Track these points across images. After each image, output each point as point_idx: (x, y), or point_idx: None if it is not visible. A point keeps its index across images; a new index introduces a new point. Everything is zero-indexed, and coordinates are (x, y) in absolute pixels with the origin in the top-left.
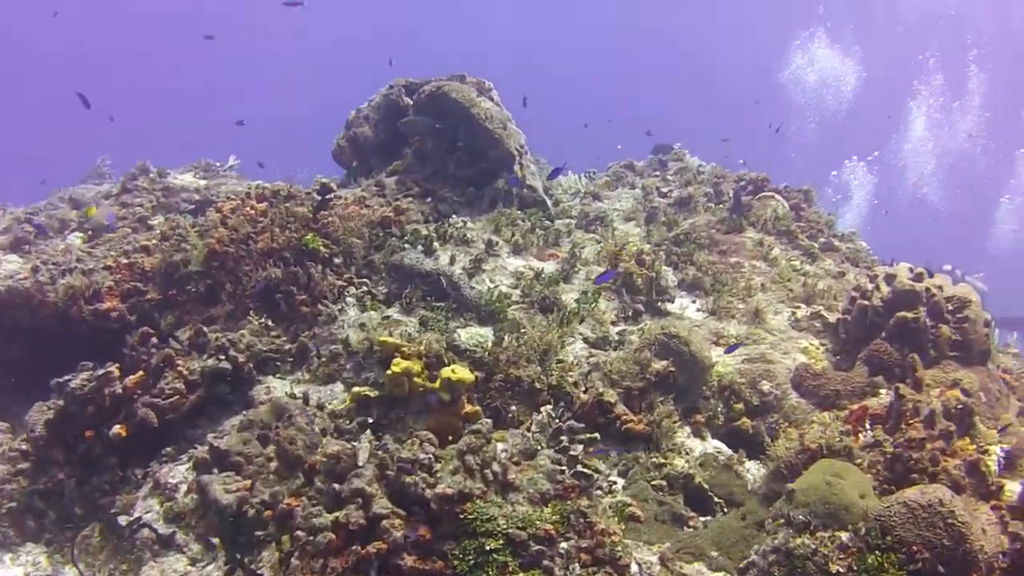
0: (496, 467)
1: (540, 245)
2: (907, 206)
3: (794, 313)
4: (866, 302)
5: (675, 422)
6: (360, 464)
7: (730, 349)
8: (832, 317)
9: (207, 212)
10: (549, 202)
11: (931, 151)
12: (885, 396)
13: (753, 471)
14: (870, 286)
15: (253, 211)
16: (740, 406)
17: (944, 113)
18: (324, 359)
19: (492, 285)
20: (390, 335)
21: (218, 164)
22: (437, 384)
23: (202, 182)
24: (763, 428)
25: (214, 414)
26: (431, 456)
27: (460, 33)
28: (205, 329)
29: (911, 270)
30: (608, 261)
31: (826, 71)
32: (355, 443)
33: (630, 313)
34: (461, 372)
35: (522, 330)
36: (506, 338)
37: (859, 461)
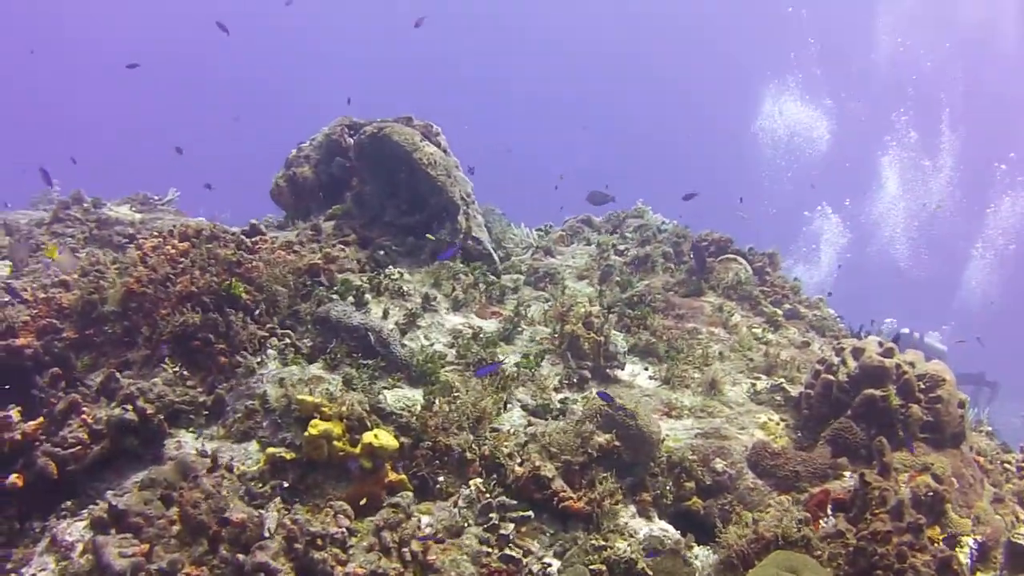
0: (415, 546)
1: (483, 302)
2: (876, 263)
3: (754, 385)
4: (831, 377)
5: (618, 501)
6: (267, 535)
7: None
8: (794, 391)
9: (128, 249)
10: (496, 256)
11: (902, 209)
12: (849, 480)
13: (703, 558)
14: (836, 360)
15: (174, 250)
16: (691, 485)
17: (917, 171)
18: (240, 415)
19: (426, 343)
20: (310, 393)
21: (156, 197)
22: (358, 449)
23: (138, 215)
24: (715, 510)
25: (123, 467)
26: (344, 530)
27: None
28: (118, 375)
29: (880, 344)
30: (555, 322)
31: (797, 122)
32: (263, 511)
33: (575, 379)
34: (384, 438)
35: (455, 394)
36: (437, 402)
37: (818, 553)
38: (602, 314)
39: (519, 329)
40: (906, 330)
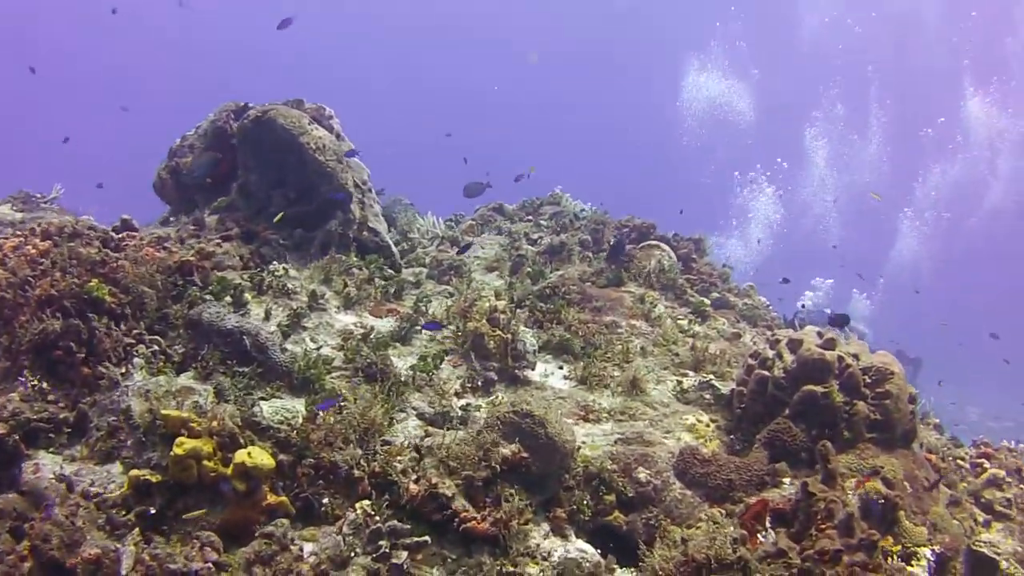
0: None
1: (378, 299)
2: (805, 237)
3: (680, 383)
4: (766, 372)
5: (528, 519)
6: (123, 572)
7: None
8: (725, 388)
9: None
10: (395, 249)
11: (830, 183)
12: (789, 487)
13: None
14: (771, 353)
15: (35, 251)
16: (611, 498)
17: (845, 145)
18: (103, 432)
19: (312, 347)
20: (178, 407)
21: (39, 195)
22: (229, 470)
23: (19, 215)
24: (639, 525)
25: None
26: (211, 565)
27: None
28: None
29: (819, 335)
30: (458, 319)
31: (721, 94)
32: (120, 545)
33: (479, 383)
34: (259, 456)
35: (342, 403)
36: (320, 413)
37: None
38: (509, 309)
39: (417, 328)
40: (828, 310)
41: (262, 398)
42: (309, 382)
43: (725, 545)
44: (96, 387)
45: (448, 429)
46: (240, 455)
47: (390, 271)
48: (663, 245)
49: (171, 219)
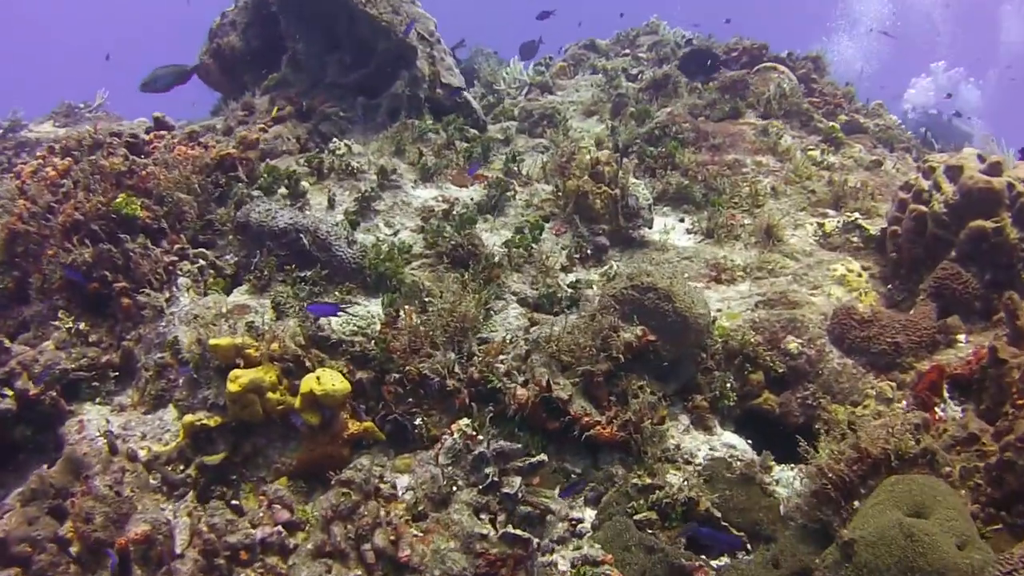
0: (380, 540)
1: (461, 165)
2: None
3: (822, 226)
4: (923, 207)
5: (663, 417)
6: (178, 551)
7: None
8: (874, 227)
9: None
10: (476, 105)
11: None
12: (965, 345)
13: (787, 482)
14: (925, 183)
15: (55, 172)
16: (759, 377)
17: None
18: (150, 373)
19: (388, 233)
20: (231, 331)
21: (81, 105)
22: (297, 401)
23: (62, 131)
24: (795, 406)
25: (23, 466)
26: (280, 529)
27: None
28: (6, 342)
29: (981, 158)
30: (556, 177)
31: None
32: (173, 516)
33: (589, 251)
34: (330, 380)
35: (426, 299)
36: (401, 314)
37: (947, 471)
38: (614, 159)
39: (510, 194)
40: (934, 111)
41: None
42: (385, 278)
43: (905, 434)
44: (140, 319)
45: (557, 314)
46: (307, 382)
47: (473, 131)
48: (780, 67)
49: (223, 109)
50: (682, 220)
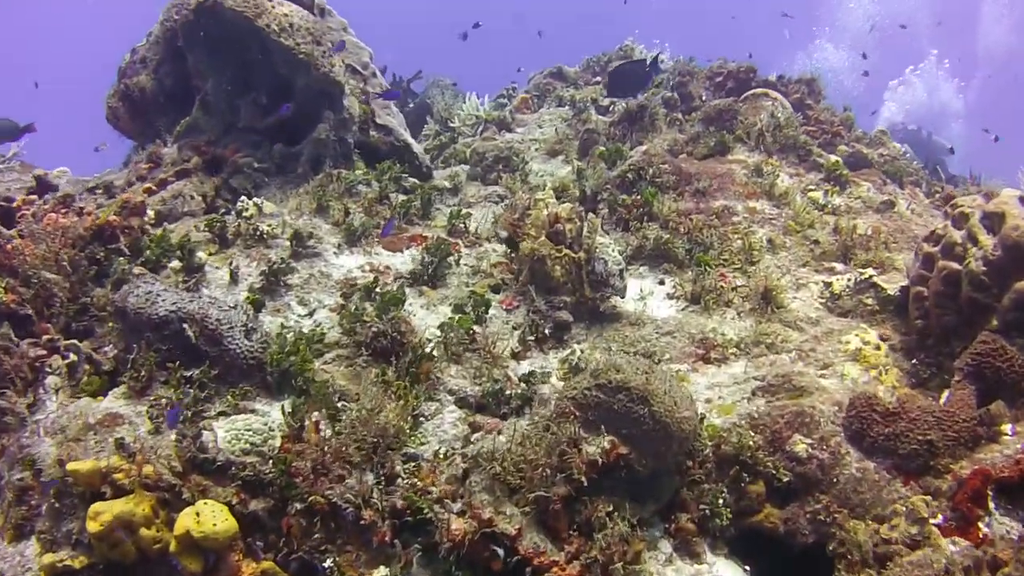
0: None
1: (397, 223)
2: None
3: (829, 285)
4: (955, 265)
5: (638, 552)
6: None
7: None
8: (892, 286)
9: None
10: (418, 148)
11: None
12: (1012, 438)
13: None
14: (957, 235)
15: None
16: (758, 487)
17: None
18: (11, 498)
19: (302, 313)
20: (100, 447)
21: None
22: (172, 544)
23: None
24: (803, 522)
25: None
26: None
27: None
28: None
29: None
30: (509, 236)
31: None
32: None
33: (547, 330)
34: (210, 518)
35: (339, 405)
36: (307, 425)
37: None
38: (576, 213)
39: (453, 257)
40: (913, 127)
41: (223, 411)
42: (290, 377)
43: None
44: (4, 427)
45: (505, 417)
46: (183, 519)
47: (412, 181)
48: (772, 93)
49: (135, 157)
50: (662, 283)
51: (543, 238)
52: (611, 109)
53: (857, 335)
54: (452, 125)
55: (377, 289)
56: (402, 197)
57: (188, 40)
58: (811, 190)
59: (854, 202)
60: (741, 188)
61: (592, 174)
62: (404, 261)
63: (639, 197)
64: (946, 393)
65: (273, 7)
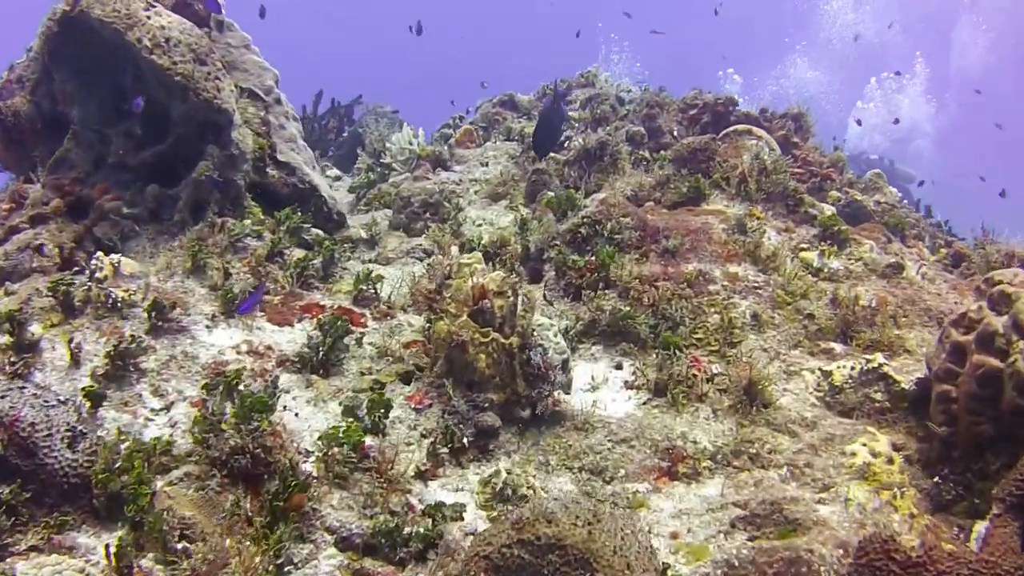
0: None
1: (288, 287)
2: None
3: (828, 374)
4: (994, 361)
5: None
6: None
7: None
8: (905, 377)
9: None
10: (327, 190)
11: None
12: None
13: None
14: (997, 321)
15: None
16: None
17: None
18: None
19: (157, 407)
20: None
21: None
22: None
23: None
24: None
25: None
26: None
27: None
28: None
29: None
30: (423, 306)
31: None
32: None
33: (467, 439)
34: None
35: (181, 545)
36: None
37: None
38: (510, 285)
39: (356, 334)
40: (875, 156)
41: (32, 548)
42: (120, 502)
43: None
44: None
45: (401, 563)
46: None
47: (316, 232)
48: (756, 130)
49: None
50: (619, 367)
51: (464, 318)
52: (567, 145)
53: (864, 443)
54: (384, 160)
55: (240, 386)
56: (300, 254)
57: (53, 58)
58: (803, 249)
59: (855, 264)
60: (719, 248)
61: (538, 227)
62: (293, 339)
63: (594, 258)
64: (980, 527)
65: (149, 18)
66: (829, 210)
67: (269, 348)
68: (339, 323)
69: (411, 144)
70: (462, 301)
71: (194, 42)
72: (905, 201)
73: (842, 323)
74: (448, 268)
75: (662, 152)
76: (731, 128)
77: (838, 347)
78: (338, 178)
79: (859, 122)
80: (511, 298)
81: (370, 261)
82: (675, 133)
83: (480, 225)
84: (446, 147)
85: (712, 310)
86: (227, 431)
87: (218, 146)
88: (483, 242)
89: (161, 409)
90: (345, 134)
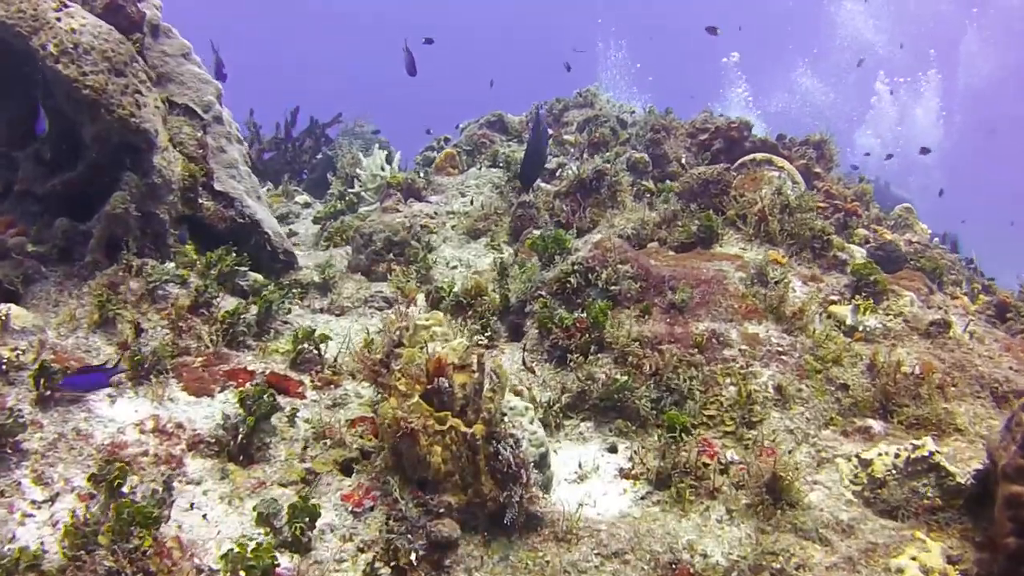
0: None
1: (213, 347)
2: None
3: (867, 464)
4: None
5: None
6: None
7: None
8: (960, 467)
9: None
10: (272, 226)
11: None
12: None
13: None
14: None
15: None
16: None
17: None
18: None
19: (41, 499)
20: None
21: None
22: None
23: None
24: None
25: None
26: None
27: None
28: None
29: None
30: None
31: None
32: None
33: (416, 554)
34: None
35: None
36: None
37: None
38: (474, 356)
39: (289, 410)
40: (872, 178)
41: None
42: None
43: None
44: None
45: None
46: None
47: (255, 276)
48: (778, 160)
49: None
50: (613, 450)
51: (416, 399)
52: (559, 173)
53: (914, 556)
54: (351, 189)
55: (130, 483)
56: (233, 303)
57: None
58: (833, 302)
59: (894, 321)
60: (736, 302)
61: (520, 274)
62: (212, 414)
63: (585, 315)
64: None
65: (59, 19)
66: (859, 252)
67: (180, 427)
68: (264, 399)
69: (383, 170)
70: (414, 376)
71: (110, 49)
72: (937, 239)
73: (881, 395)
74: (400, 331)
75: (668, 182)
76: (748, 157)
77: (876, 425)
78: (308, 205)
79: (868, 154)
80: (476, 374)
81: (321, 310)
82: (683, 161)
83: (454, 267)
84: (422, 175)
85: (727, 381)
86: (104, 547)
87: (137, 173)
88: (454, 291)
89: (44, 501)
90: (320, 156)
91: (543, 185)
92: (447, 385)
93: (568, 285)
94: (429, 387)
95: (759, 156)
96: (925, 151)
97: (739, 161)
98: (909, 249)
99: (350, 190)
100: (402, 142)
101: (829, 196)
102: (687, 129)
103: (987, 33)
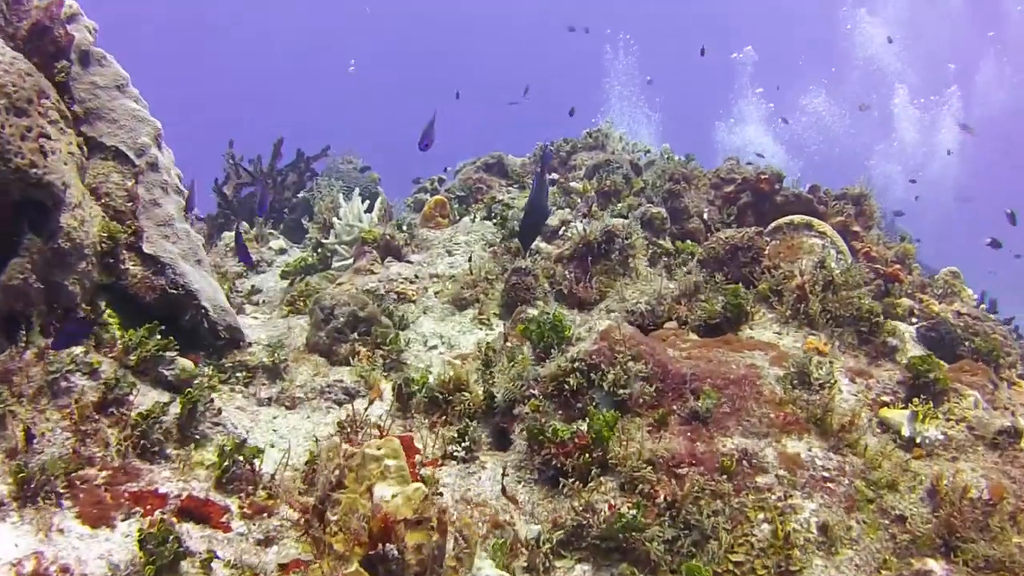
0: None
1: (121, 461)
2: None
3: None
4: None
5: None
6: None
7: None
8: None
9: None
10: (213, 296)
11: None
12: None
13: None
14: None
15: None
16: None
17: None
18: None
19: None
20: None
21: None
22: None
23: None
24: None
25: None
26: None
27: None
28: None
29: None
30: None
31: None
32: None
33: None
34: None
35: None
36: None
37: None
38: (435, 514)
39: (197, 556)
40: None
41: None
42: None
43: None
44: None
45: None
46: None
47: (184, 363)
48: (819, 224)
49: None
50: None
51: (354, 567)
52: (560, 232)
53: None
54: (324, 241)
55: None
56: (151, 399)
57: None
58: (885, 403)
59: (955, 429)
60: (773, 410)
61: (508, 366)
62: (109, 550)
63: (586, 428)
64: None
65: None
66: (908, 332)
67: (65, 571)
68: (169, 540)
69: (360, 221)
70: (355, 533)
71: (11, 83)
72: (984, 306)
73: (944, 528)
74: (340, 466)
75: (688, 242)
76: (784, 220)
77: (938, 568)
78: (283, 251)
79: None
80: (435, 536)
81: (269, 401)
82: (705, 216)
83: (433, 347)
84: (404, 228)
85: (760, 517)
86: None
87: (41, 235)
88: (428, 383)
89: None
90: (300, 195)
91: (543, 246)
92: (395, 553)
93: (566, 386)
94: (371, 552)
95: (796, 219)
96: (996, 244)
97: (773, 224)
98: (959, 323)
99: (324, 240)
100: (395, 181)
101: (869, 259)
102: (710, 179)
103: (1004, 59)
